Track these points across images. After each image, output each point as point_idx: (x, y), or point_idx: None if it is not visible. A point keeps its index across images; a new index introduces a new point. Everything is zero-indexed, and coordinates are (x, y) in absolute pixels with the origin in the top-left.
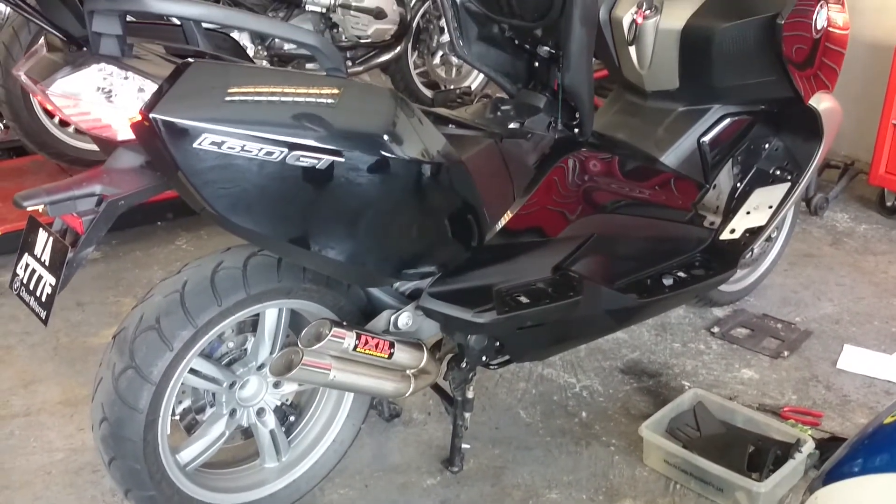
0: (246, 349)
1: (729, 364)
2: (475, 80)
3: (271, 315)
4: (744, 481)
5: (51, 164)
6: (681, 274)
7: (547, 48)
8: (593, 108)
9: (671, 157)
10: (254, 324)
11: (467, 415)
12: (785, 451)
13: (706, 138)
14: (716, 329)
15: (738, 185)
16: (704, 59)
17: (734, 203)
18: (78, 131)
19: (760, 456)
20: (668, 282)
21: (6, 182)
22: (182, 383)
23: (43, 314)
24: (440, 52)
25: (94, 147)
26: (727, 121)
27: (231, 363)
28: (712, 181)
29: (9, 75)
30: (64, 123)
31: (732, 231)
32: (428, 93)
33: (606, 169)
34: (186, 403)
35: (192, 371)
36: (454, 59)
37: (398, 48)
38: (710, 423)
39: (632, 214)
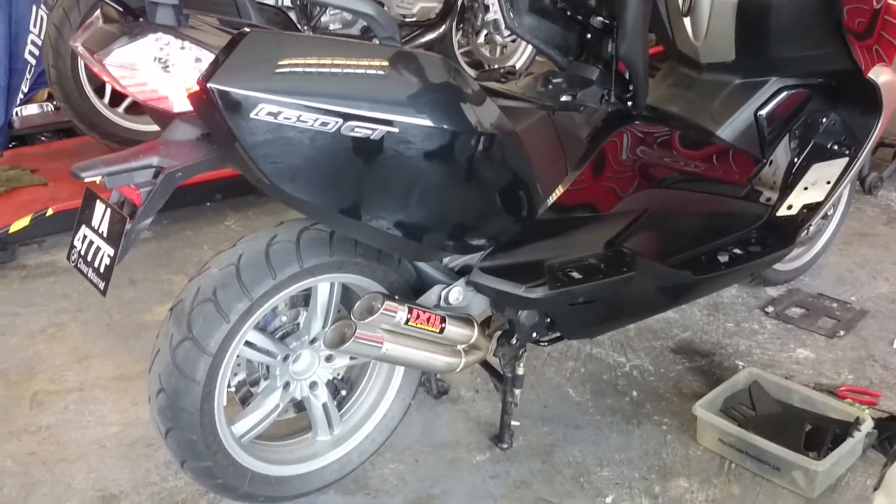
0: (299, 323)
1: (784, 344)
2: (520, 59)
3: (323, 289)
4: (801, 460)
5: (101, 146)
6: (736, 251)
7: (601, 18)
8: (648, 79)
9: (727, 131)
10: (306, 298)
11: (517, 391)
12: (843, 430)
13: (763, 112)
14: (770, 309)
15: (796, 160)
16: (762, 30)
17: (791, 178)
18: (128, 111)
19: (818, 435)
20: (723, 259)
21: (57, 163)
22: (237, 356)
23: (101, 285)
24: (485, 31)
25: (144, 127)
26: (784, 94)
27: (284, 337)
28: (769, 156)
29: (59, 56)
30: (114, 104)
31: (789, 207)
32: (472, 73)
33: (660, 143)
34: (241, 376)
35: (248, 344)
36: (498, 39)
37: (443, 27)
38: (766, 402)
39: (686, 189)
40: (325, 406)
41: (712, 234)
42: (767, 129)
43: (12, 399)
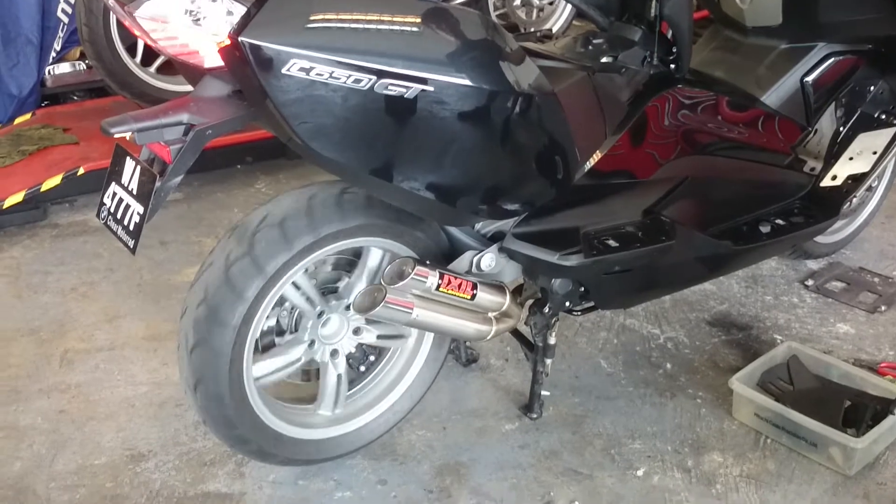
0: (338, 287)
1: (823, 318)
2: (556, 22)
3: (374, 255)
4: (840, 437)
5: (132, 105)
6: (779, 221)
7: None
8: (692, 42)
9: (772, 97)
10: (349, 263)
11: (548, 361)
12: (883, 406)
13: (809, 78)
14: (810, 282)
15: (841, 129)
16: None
17: (836, 148)
18: (160, 71)
19: (857, 412)
20: (764, 229)
21: (88, 122)
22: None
23: (131, 243)
24: None
25: (176, 87)
26: (832, 60)
27: (327, 294)
28: (814, 124)
29: (91, 14)
30: (147, 63)
31: (834, 177)
32: None
33: (703, 108)
34: (270, 324)
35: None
36: (535, 1)
37: None
38: (805, 377)
39: (728, 157)
40: (338, 378)
41: (754, 204)
42: (813, 96)
43: (43, 357)
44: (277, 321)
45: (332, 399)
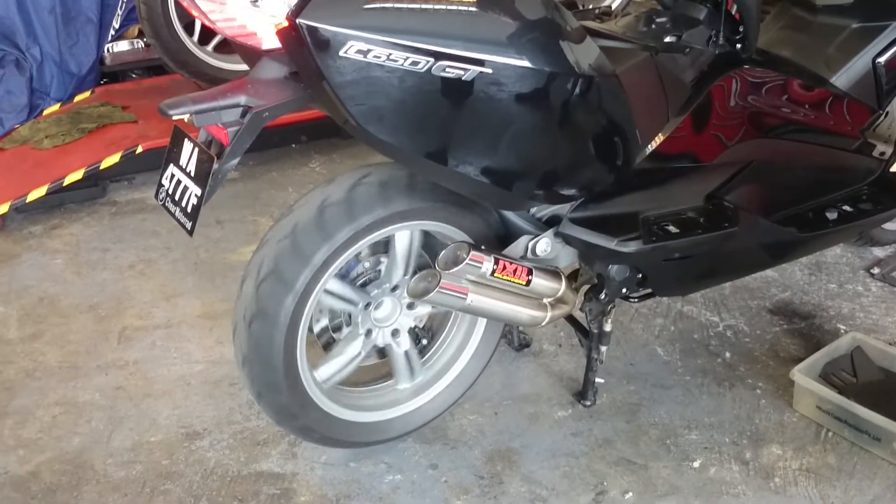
0: (380, 270)
1: (889, 308)
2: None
3: (401, 238)
4: None
5: (190, 84)
6: (846, 207)
7: None
8: (759, 21)
9: (842, 79)
10: (386, 245)
11: (603, 348)
12: None
13: (882, 59)
14: (876, 270)
15: None
16: None
17: None
18: (217, 50)
19: None
20: (831, 216)
21: (147, 100)
22: (319, 302)
23: (188, 225)
24: None
25: (233, 66)
26: None
27: (366, 284)
28: (886, 107)
29: None
30: (204, 41)
31: None
32: None
33: (770, 89)
34: (323, 323)
35: (327, 293)
36: None
37: None
38: (869, 369)
39: (795, 140)
40: (406, 354)
41: (821, 190)
42: (886, 77)
43: (101, 333)
44: (330, 318)
45: (407, 372)
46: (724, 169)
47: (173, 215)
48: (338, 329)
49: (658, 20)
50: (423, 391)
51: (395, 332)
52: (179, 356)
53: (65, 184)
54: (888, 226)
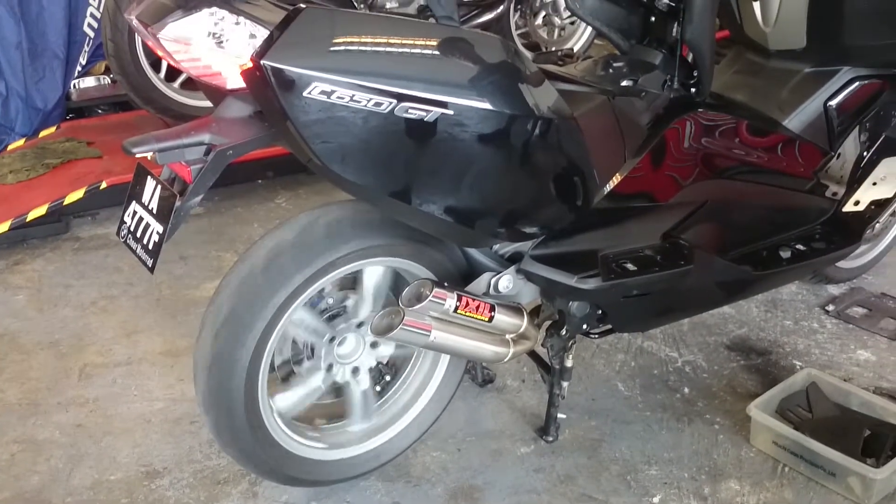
0: (346, 306)
1: (844, 344)
2: (578, 42)
3: (370, 273)
4: (859, 466)
5: (156, 120)
6: (800, 246)
7: (667, 1)
8: (713, 66)
9: (794, 122)
10: (354, 281)
11: (565, 384)
12: None
13: (833, 102)
14: (830, 307)
15: (865, 153)
16: (836, 16)
17: (859, 173)
18: (184, 87)
19: (877, 441)
20: (785, 254)
21: (112, 136)
22: (283, 335)
23: (150, 262)
24: (543, 13)
25: (199, 103)
26: (856, 84)
27: (332, 318)
28: (837, 149)
29: (117, 29)
30: (171, 78)
31: (857, 203)
32: (529, 55)
33: (724, 131)
34: (286, 356)
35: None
36: (557, 21)
37: (500, 7)
38: (824, 405)
39: (749, 181)
40: (364, 394)
41: (775, 229)
42: (837, 120)
43: (62, 370)
44: (293, 349)
45: (361, 412)
46: (679, 208)
47: (135, 252)
48: (299, 363)
49: (615, 65)
50: (381, 431)
51: (355, 370)
52: (140, 394)
53: (28, 219)
54: (842, 264)
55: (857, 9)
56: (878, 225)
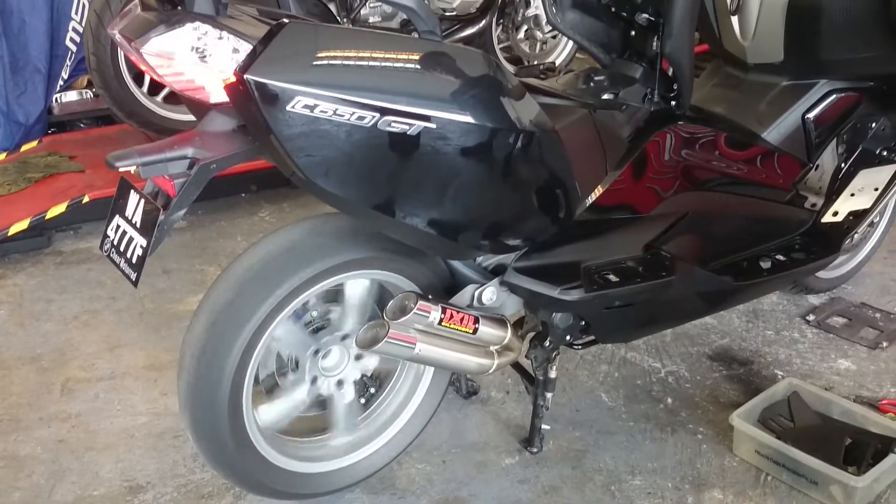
0: (330, 319)
1: (824, 354)
2: (559, 56)
3: (353, 286)
4: (840, 475)
5: (139, 134)
6: (779, 257)
7: (646, 15)
8: (693, 79)
9: (773, 134)
10: (339, 294)
11: (549, 395)
12: (885, 445)
13: (811, 115)
14: (811, 317)
15: (843, 165)
16: (813, 31)
17: (838, 184)
18: (167, 101)
19: (858, 449)
20: (765, 265)
21: (95, 150)
22: (267, 347)
23: (133, 276)
24: (525, 27)
25: (182, 117)
26: (833, 97)
27: (317, 331)
28: (815, 160)
29: (99, 43)
30: (153, 92)
31: (835, 213)
32: (511, 69)
33: (704, 144)
34: (270, 369)
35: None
36: (538, 35)
37: (483, 22)
38: (805, 414)
39: (729, 192)
40: (348, 406)
41: (755, 240)
42: (815, 132)
43: (44, 385)
44: (277, 362)
45: (345, 425)
46: (660, 220)
47: (118, 266)
48: (283, 375)
49: (596, 78)
50: (363, 445)
51: (339, 383)
52: (123, 408)
53: (10, 233)
54: (822, 274)
55: (832, 24)
56: (856, 235)
